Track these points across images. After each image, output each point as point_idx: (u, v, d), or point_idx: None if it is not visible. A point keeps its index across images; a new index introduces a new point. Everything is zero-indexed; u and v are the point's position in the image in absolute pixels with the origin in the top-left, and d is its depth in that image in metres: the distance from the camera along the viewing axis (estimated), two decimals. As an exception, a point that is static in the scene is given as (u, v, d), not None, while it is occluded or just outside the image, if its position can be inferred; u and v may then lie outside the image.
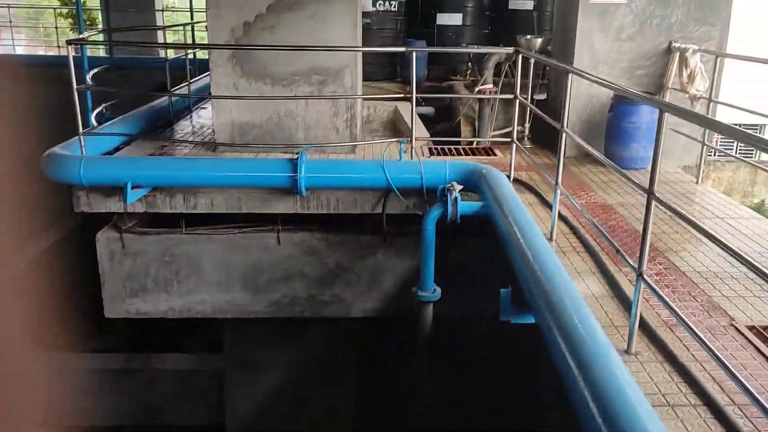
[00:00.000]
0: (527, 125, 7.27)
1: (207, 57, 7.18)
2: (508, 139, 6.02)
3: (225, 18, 6.35)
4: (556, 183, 4.52)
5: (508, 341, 4.76)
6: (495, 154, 6.89)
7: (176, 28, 12.70)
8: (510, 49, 5.83)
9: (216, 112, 6.69)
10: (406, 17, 9.30)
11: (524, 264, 3.69)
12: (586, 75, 4.53)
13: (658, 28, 6.47)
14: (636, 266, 3.08)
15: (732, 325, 3.37)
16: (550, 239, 4.56)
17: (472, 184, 5.38)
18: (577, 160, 6.67)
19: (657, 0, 6.40)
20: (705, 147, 5.90)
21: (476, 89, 7.08)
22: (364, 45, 8.98)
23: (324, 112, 6.65)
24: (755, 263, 2.50)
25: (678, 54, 6.33)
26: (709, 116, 5.88)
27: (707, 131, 6.53)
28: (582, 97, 6.66)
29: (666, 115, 3.13)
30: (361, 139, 6.85)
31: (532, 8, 8.59)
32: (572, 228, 4.76)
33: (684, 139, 6.34)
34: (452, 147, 7.11)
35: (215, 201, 5.89)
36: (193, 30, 12.27)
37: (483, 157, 6.79)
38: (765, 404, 2.28)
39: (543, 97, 7.66)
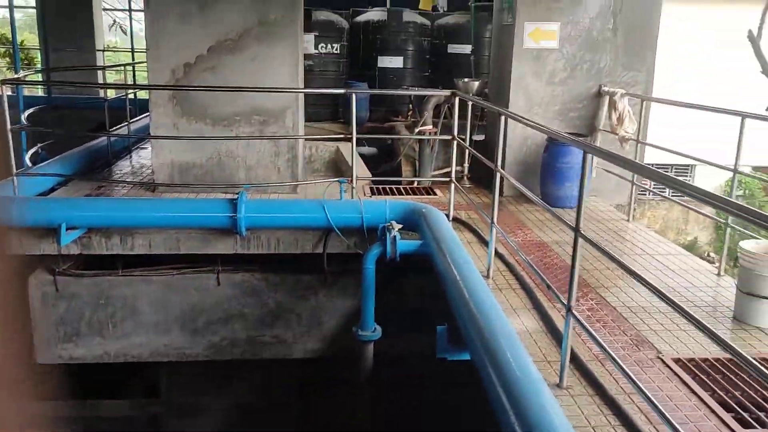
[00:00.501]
0: (466, 165, 7.43)
1: (148, 97, 7.11)
2: (448, 179, 6.15)
3: (165, 59, 6.34)
4: (492, 222, 4.62)
5: (448, 379, 4.77)
6: (435, 194, 7.00)
7: (117, 68, 12.56)
8: (447, 92, 6.00)
9: (155, 152, 6.62)
10: (348, 60, 9.47)
11: (460, 301, 3.74)
12: (517, 117, 4.70)
13: (588, 73, 6.78)
14: (566, 302, 3.16)
15: (659, 357, 3.48)
16: (487, 276, 4.63)
17: (412, 223, 5.45)
18: (515, 199, 6.84)
19: (586, 46, 6.72)
20: (635, 186, 6.14)
21: (416, 130, 7.23)
22: (306, 86, 9.09)
23: (265, 152, 6.66)
24: (672, 298, 2.59)
25: (607, 97, 6.63)
26: (637, 157, 6.16)
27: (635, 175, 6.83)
28: (518, 138, 6.88)
29: (591, 156, 3.26)
30: (302, 179, 6.87)
31: (469, 52, 8.87)
32: (508, 265, 4.86)
33: (616, 178, 6.60)
34: (393, 186, 7.20)
35: (153, 242, 5.78)
36: (134, 70, 12.17)
37: (423, 196, 6.90)
38: (685, 434, 2.36)
39: (482, 137, 7.87)
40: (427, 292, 5.17)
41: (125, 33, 14.36)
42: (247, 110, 6.53)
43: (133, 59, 12.48)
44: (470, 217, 6.19)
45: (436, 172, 7.56)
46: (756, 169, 19.31)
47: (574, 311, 3.11)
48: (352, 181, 5.96)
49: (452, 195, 6.01)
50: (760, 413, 2.94)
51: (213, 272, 6.07)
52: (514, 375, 2.87)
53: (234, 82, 6.35)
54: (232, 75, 6.38)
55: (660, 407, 2.48)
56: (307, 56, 9.14)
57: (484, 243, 5.36)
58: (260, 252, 5.92)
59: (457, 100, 5.81)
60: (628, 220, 6.18)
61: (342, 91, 6.34)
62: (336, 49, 9.30)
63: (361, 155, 8.73)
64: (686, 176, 19.49)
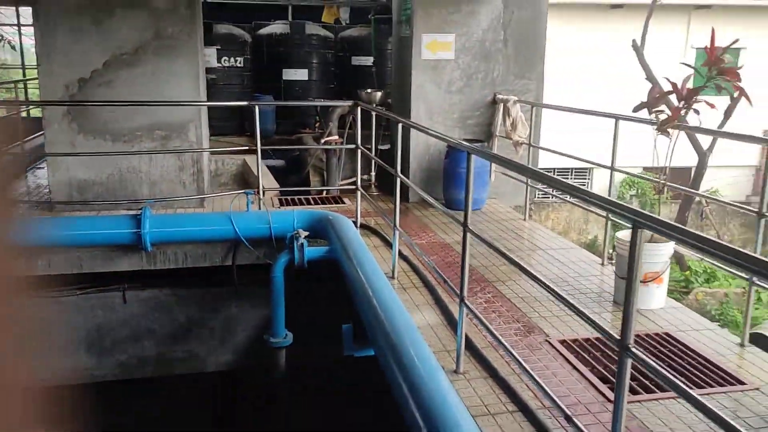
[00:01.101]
0: (373, 174, 7.63)
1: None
2: (354, 187, 6.31)
3: (58, 74, 6.19)
4: (394, 226, 4.81)
5: (359, 377, 4.90)
6: (343, 202, 7.15)
7: (7, 85, 12.03)
8: (349, 103, 6.17)
9: (52, 170, 6.43)
10: (252, 73, 9.50)
11: (364, 300, 3.89)
12: (412, 124, 4.92)
13: (483, 82, 7.14)
14: (460, 294, 3.37)
15: (547, 340, 3.75)
16: (392, 277, 4.81)
17: (320, 230, 5.56)
18: (420, 205, 7.09)
19: (480, 56, 7.08)
20: (529, 188, 6.51)
21: (322, 141, 7.36)
22: (211, 100, 9.05)
23: (169, 167, 6.61)
24: (556, 288, 2.84)
25: (501, 104, 7.01)
26: (530, 160, 6.54)
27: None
28: (421, 145, 7.15)
29: (474, 158, 3.49)
30: (209, 193, 6.85)
31: (371, 64, 9.11)
32: (413, 266, 5.06)
33: (514, 181, 6.96)
34: (302, 197, 7.29)
35: (53, 262, 5.61)
36: (26, 87, 11.68)
37: (332, 205, 7.02)
38: (562, 405, 2.60)
39: (387, 146, 8.09)
40: (338, 297, 5.30)
41: (14, 49, 13.73)
42: (148, 125, 6.47)
43: (24, 76, 11.98)
44: (377, 223, 6.37)
45: (344, 182, 7.71)
46: (647, 169, 20.68)
47: (466, 302, 3.32)
48: (258, 192, 6.02)
49: (358, 203, 6.17)
50: (631, 382, 3.24)
51: (119, 290, 5.96)
52: (413, 365, 3.04)
53: (133, 97, 6.28)
54: (131, 89, 6.30)
55: (541, 382, 2.71)
56: (210, 70, 9.12)
57: (390, 246, 5.55)
58: (167, 267, 5.87)
59: (359, 110, 5.99)
60: (524, 220, 6.54)
61: (244, 103, 6.40)
62: (239, 63, 9.31)
63: (270, 168, 8.78)
64: (585, 178, 20.66)
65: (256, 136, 5.86)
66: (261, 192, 6.03)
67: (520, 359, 2.91)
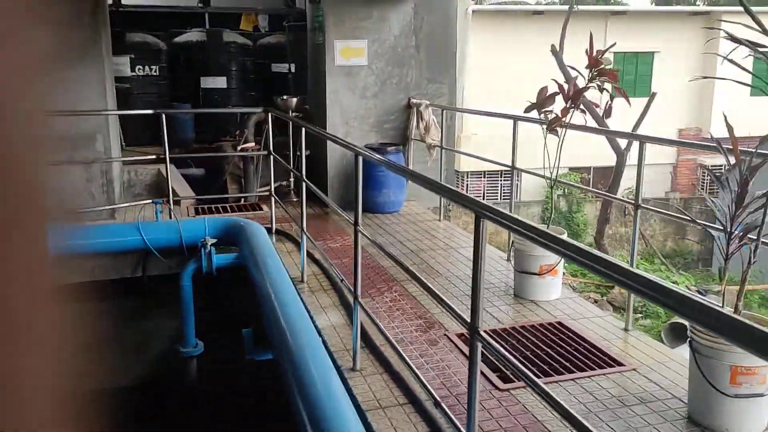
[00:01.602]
0: (292, 180, 7.64)
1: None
2: (268, 194, 6.32)
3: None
4: (302, 230, 4.85)
5: (267, 382, 4.91)
6: (261, 209, 7.13)
7: None
8: (259, 109, 6.17)
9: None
10: (169, 81, 9.37)
11: (266, 304, 3.91)
12: (311, 128, 4.99)
13: (397, 87, 7.27)
14: (353, 293, 3.44)
15: (445, 335, 3.86)
16: (302, 281, 4.85)
17: (232, 237, 5.55)
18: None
19: (393, 62, 7.21)
20: (442, 188, 6.65)
21: (238, 148, 7.33)
22: (125, 109, 8.88)
23: (76, 178, 6.45)
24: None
25: (415, 108, 7.15)
26: (442, 161, 6.69)
27: (444, 175, 7.40)
28: (338, 150, 7.20)
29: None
30: (120, 203, 6.71)
31: (287, 70, 9.13)
32: (323, 269, 5.10)
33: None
34: (220, 205, 7.24)
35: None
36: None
37: (249, 212, 7.00)
38: (432, 391, 2.69)
39: (308, 152, 8.11)
40: (248, 303, 5.29)
41: None
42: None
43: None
44: (294, 228, 6.40)
45: (262, 189, 7.70)
46: (572, 169, 21.34)
47: (360, 301, 3.39)
48: (169, 202, 5.95)
49: (272, 209, 6.19)
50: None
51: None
52: (304, 366, 3.08)
53: (37, 108, 6.10)
54: (35, 100, 6.13)
55: (419, 374, 2.80)
56: (123, 79, 8.95)
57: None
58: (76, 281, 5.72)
59: (270, 116, 6.01)
60: (439, 220, 6.68)
61: (150, 111, 6.32)
62: (155, 71, 9.17)
63: (189, 177, 8.67)
64: (515, 180, 21.14)
65: (164, 144, 5.79)
66: (171, 201, 5.95)
67: (405, 355, 3.00)
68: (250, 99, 9.73)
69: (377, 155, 3.73)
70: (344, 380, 3.38)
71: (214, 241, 5.06)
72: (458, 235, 6.15)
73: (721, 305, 2.90)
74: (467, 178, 20.45)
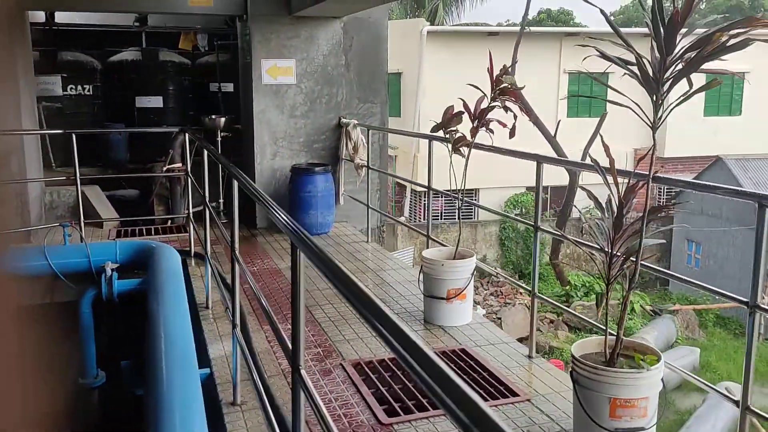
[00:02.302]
0: (221, 201, 7.45)
1: None
2: (191, 216, 6.13)
3: None
4: (206, 255, 4.66)
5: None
6: (186, 231, 6.92)
7: None
8: (176, 128, 6.00)
9: None
10: (103, 101, 9.14)
11: (149, 336, 3.71)
12: (208, 148, 4.84)
13: (327, 106, 7.15)
14: (232, 323, 3.27)
15: (341, 364, 3.70)
16: (206, 308, 4.66)
17: (143, 261, 5.33)
18: (267, 231, 6.97)
19: (324, 81, 7.10)
20: (370, 210, 6.53)
21: (164, 168, 7.13)
22: (55, 129, 8.62)
23: (-11, 200, 6.18)
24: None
25: (344, 128, 7.04)
26: (369, 181, 6.56)
27: (378, 195, 7.29)
28: (266, 170, 7.05)
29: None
30: (38, 226, 6.45)
31: (219, 90, 8.96)
32: (234, 295, 4.90)
33: (362, 206, 6.96)
34: (145, 228, 7.02)
35: None
36: None
37: (174, 234, 6.78)
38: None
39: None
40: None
41: None
42: (-38, 156, 6.03)
43: None
44: (215, 251, 6.20)
45: (192, 210, 7.48)
46: (529, 189, 21.42)
47: (237, 331, 3.22)
48: (80, 223, 5.72)
49: (191, 231, 5.99)
50: (409, 402, 3.24)
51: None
52: (168, 403, 2.89)
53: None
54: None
55: (287, 411, 2.63)
56: (54, 98, 8.70)
57: (221, 275, 5.38)
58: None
59: (186, 136, 5.84)
60: (367, 242, 6.54)
61: (60, 131, 6.09)
62: (88, 90, 8.93)
63: (120, 198, 8.42)
64: (473, 199, 21.20)
65: (74, 165, 5.57)
66: (82, 223, 5.72)
67: (270, 391, 2.83)
68: (187, 118, 9.52)
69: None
70: (221, 416, 3.20)
71: (116, 265, 4.84)
72: (382, 258, 6.02)
73: (614, 332, 2.80)
74: (425, 198, 20.42)
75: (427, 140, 5.16)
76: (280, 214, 2.28)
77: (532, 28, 20.45)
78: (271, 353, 3.87)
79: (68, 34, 9.24)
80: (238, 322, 3.25)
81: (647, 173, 2.78)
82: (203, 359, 3.97)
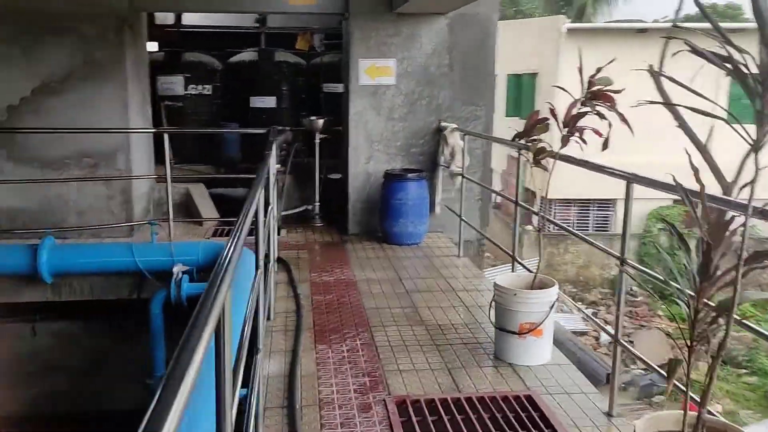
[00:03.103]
0: (317, 204, 7.32)
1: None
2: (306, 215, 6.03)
3: (-14, 101, 6.15)
4: (271, 261, 4.47)
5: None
6: (279, 233, 6.85)
7: None
8: (262, 130, 5.90)
9: (-20, 197, 6.37)
10: (222, 101, 9.37)
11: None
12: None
13: (427, 108, 6.77)
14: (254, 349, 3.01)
15: (383, 400, 3.33)
16: (268, 318, 4.47)
17: (221, 264, 5.28)
18: (358, 237, 6.73)
19: (425, 82, 6.73)
20: (463, 223, 6.06)
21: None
22: (176, 127, 8.96)
23: (97, 195, 6.47)
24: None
25: (442, 132, 6.62)
26: (463, 191, 6.09)
27: (479, 206, 6.81)
28: (360, 174, 6.80)
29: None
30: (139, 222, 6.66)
31: (337, 90, 8.84)
32: (299, 306, 4.69)
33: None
34: (241, 227, 7.05)
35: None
36: None
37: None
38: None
39: (339, 176, 7.78)
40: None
41: None
42: (76, 153, 6.36)
43: None
44: (299, 257, 6.06)
45: (289, 212, 7.43)
46: (676, 202, 19.64)
47: (258, 357, 2.96)
48: (168, 221, 5.79)
49: (274, 233, 5.87)
50: (443, 458, 2.80)
51: (28, 321, 5.81)
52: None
53: (61, 124, 6.18)
54: (59, 116, 6.21)
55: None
56: (177, 98, 9.04)
57: (292, 285, 5.21)
58: (73, 299, 5.69)
59: (285, 137, 5.72)
60: (458, 257, 6.08)
61: (153, 130, 6.21)
62: (208, 90, 9.19)
63: (231, 198, 8.57)
64: (609, 209, 19.82)
65: (165, 163, 5.64)
66: (171, 221, 5.80)
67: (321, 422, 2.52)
68: (299, 119, 9.55)
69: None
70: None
71: (186, 268, 4.80)
72: (470, 276, 5.54)
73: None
74: (555, 206, 19.33)
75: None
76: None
77: (686, 24, 18.67)
78: (314, 378, 3.58)
79: (193, 35, 9.60)
80: (261, 346, 2.98)
81: (746, 204, 2.15)
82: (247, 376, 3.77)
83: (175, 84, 8.95)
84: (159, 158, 8.92)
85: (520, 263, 4.56)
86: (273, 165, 5.95)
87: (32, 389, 5.92)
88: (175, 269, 4.69)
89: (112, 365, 5.81)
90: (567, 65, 18.04)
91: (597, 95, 3.42)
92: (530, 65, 20.05)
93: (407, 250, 6.27)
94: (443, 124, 6.67)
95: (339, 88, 8.94)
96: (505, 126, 18.52)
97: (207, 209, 7.33)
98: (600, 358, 14.95)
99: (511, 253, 4.70)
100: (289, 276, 5.40)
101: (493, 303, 3.87)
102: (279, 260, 5.82)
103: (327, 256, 6.07)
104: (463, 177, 6.01)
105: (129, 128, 6.39)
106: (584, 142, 3.59)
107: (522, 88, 20.66)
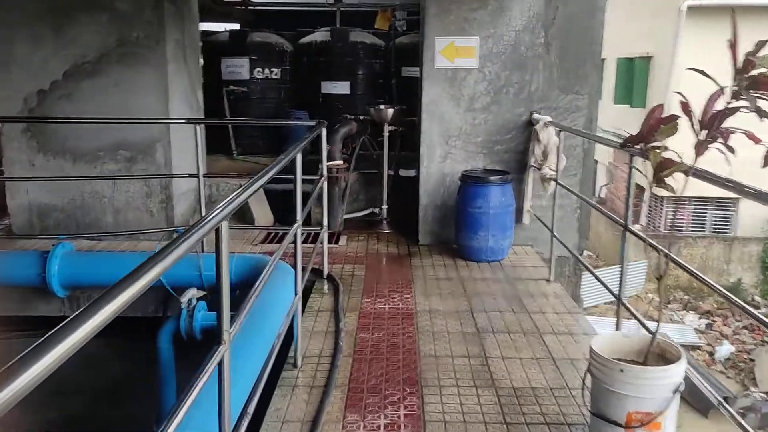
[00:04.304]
0: (384, 207, 6.30)
1: None
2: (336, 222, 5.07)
3: (17, 86, 5.56)
4: (296, 292, 3.49)
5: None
6: (338, 243, 5.89)
7: None
8: (312, 122, 4.92)
9: (10, 192, 5.82)
10: (291, 86, 8.52)
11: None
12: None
13: (516, 97, 5.57)
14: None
15: None
16: (294, 366, 3.50)
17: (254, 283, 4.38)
18: (430, 249, 5.66)
19: (514, 65, 5.53)
20: (555, 238, 4.84)
21: (321, 166, 6.14)
22: (243, 116, 8.20)
23: (135, 192, 5.77)
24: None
25: (534, 127, 5.41)
26: (556, 198, 4.88)
27: (577, 216, 5.58)
28: (434, 175, 5.72)
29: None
30: (184, 222, 5.90)
31: (409, 75, 7.79)
32: (337, 349, 3.70)
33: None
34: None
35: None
36: None
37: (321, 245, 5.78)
38: None
39: (413, 173, 6.72)
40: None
41: None
42: (111, 144, 5.67)
43: None
44: (354, 273, 5.07)
45: (352, 215, 6.47)
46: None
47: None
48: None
49: (325, 246, 4.91)
50: None
51: (41, 337, 5.16)
52: None
53: (94, 111, 5.49)
54: (92, 103, 5.53)
55: None
56: (241, 82, 8.29)
57: (335, 311, 4.22)
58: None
59: (323, 130, 4.74)
60: (548, 281, 4.88)
61: (183, 120, 5.36)
62: (276, 74, 8.37)
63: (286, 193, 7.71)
64: (730, 209, 17.59)
65: (197, 159, 4.78)
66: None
67: None
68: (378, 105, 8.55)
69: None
70: None
71: (201, 294, 3.91)
72: (561, 311, 4.33)
73: None
74: (667, 204, 17.33)
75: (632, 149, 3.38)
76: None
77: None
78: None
79: (262, 13, 8.81)
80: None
81: None
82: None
83: (240, 67, 8.19)
84: (221, 149, 8.25)
85: (636, 318, 3.29)
86: (324, 163, 4.99)
87: (46, 412, 5.29)
88: (186, 297, 3.81)
89: (132, 389, 5.08)
90: (687, 48, 16.00)
91: (759, 82, 2.17)
92: (642, 48, 18.04)
93: (485, 270, 5.13)
94: (535, 116, 5.45)
95: (417, 72, 7.87)
96: (613, 115, 16.73)
97: (261, 210, 6.49)
98: (714, 379, 13.14)
99: (617, 297, 3.46)
100: (335, 301, 4.42)
101: (588, 375, 2.70)
102: (329, 278, 4.86)
103: (387, 275, 5.05)
104: (557, 183, 4.78)
105: (166, 118, 5.60)
106: (731, 151, 2.35)
107: (634, 73, 18.66)
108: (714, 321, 16.11)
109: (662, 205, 17.51)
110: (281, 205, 6.74)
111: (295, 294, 3.40)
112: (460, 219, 5.34)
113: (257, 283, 2.95)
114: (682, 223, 17.43)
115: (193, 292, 3.80)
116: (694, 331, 15.67)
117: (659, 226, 17.29)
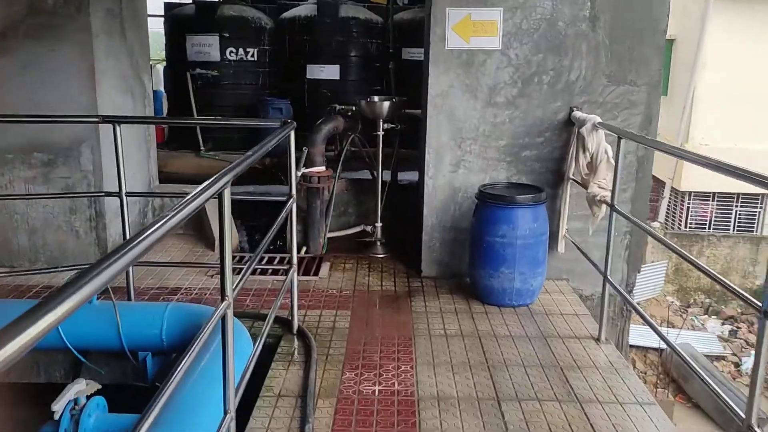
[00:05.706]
0: (378, 225, 5.01)
1: None
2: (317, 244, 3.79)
3: None
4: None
5: None
6: (317, 274, 4.59)
7: None
8: (277, 123, 3.58)
9: None
10: (271, 69, 7.19)
11: None
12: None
13: (551, 88, 4.26)
14: None
15: None
16: None
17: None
18: (435, 285, 4.38)
19: (548, 46, 4.21)
20: (608, 283, 3.56)
21: (298, 173, 4.84)
22: (213, 103, 6.91)
23: (55, 207, 4.46)
24: None
25: (576, 128, 4.10)
26: (613, 224, 3.57)
27: (626, 252, 4.28)
28: (442, 189, 4.41)
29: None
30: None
31: (408, 57, 6.49)
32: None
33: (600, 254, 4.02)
34: (281, 255, 4.91)
35: None
36: None
37: (302, 276, 4.49)
38: None
39: (413, 178, 5.42)
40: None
41: None
42: (21, 145, 4.37)
43: None
44: (336, 323, 3.79)
45: (337, 234, 5.18)
46: None
47: None
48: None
49: (295, 287, 3.61)
50: None
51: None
52: None
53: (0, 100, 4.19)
54: (-3, 91, 4.23)
55: None
56: (210, 64, 6.96)
57: (303, 396, 2.95)
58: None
59: (292, 134, 3.44)
60: (597, 341, 3.60)
61: (98, 119, 4.04)
62: (252, 56, 7.04)
63: (267, 203, 6.41)
64: (757, 207, 16.27)
65: (119, 172, 3.47)
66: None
67: None
68: (373, 94, 7.22)
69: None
70: None
71: (95, 388, 2.60)
72: (619, 389, 3.05)
73: None
74: (689, 200, 15.99)
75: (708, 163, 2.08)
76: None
77: None
78: None
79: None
80: None
81: None
82: None
83: (208, 47, 6.87)
84: (189, 144, 6.97)
85: None
86: (293, 178, 3.67)
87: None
88: (65, 396, 2.50)
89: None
90: (714, 31, 14.59)
91: None
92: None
93: (510, 319, 3.85)
94: (576, 114, 4.14)
95: (420, 55, 6.52)
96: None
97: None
98: (743, 394, 11.95)
99: (679, 354, 2.17)
100: (305, 377, 3.14)
101: None
102: (299, 334, 3.59)
103: (380, 328, 3.76)
104: (612, 208, 3.47)
105: (75, 116, 4.26)
106: None
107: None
108: (739, 327, 14.90)
109: (683, 201, 16.21)
110: (251, 218, 5.45)
111: (225, 413, 2.11)
112: (477, 250, 4.04)
113: (170, 378, 1.72)
114: (704, 220, 16.14)
115: (80, 387, 2.50)
116: (718, 339, 14.47)
117: (680, 224, 16.00)
